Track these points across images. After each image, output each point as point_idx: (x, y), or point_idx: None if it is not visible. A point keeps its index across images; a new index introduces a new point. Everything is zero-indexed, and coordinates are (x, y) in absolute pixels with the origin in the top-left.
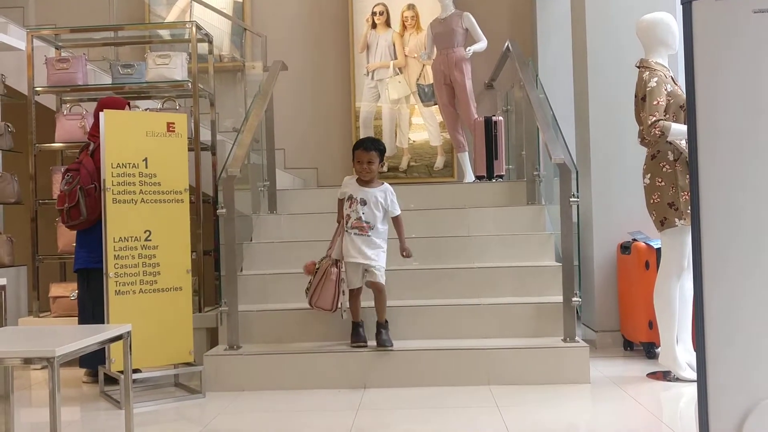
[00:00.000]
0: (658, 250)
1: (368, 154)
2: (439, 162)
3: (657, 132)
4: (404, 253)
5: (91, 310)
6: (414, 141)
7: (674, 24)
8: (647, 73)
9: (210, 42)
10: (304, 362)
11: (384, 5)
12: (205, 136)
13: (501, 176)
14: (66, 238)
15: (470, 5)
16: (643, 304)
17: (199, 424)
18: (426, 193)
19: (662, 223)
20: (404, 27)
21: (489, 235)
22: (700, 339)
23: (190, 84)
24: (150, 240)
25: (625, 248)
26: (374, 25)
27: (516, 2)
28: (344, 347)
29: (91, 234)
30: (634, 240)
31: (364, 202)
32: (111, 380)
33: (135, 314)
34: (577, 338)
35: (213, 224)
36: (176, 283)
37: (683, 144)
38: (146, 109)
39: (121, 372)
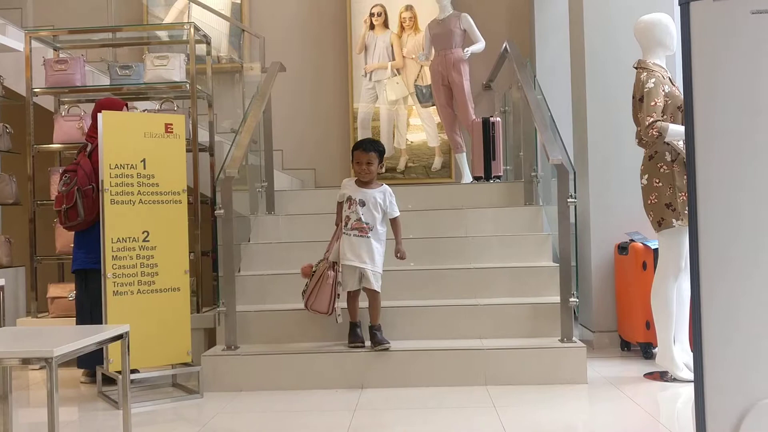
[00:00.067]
0: (656, 250)
1: (367, 155)
2: (437, 163)
3: (654, 133)
4: (398, 255)
5: (89, 310)
6: (412, 142)
7: (672, 25)
8: (645, 74)
9: (208, 43)
10: (302, 362)
11: (382, 6)
12: (203, 137)
13: (499, 177)
14: (64, 238)
15: (468, 6)
16: (641, 304)
17: (196, 425)
18: (424, 193)
19: (659, 224)
20: (402, 28)
21: (487, 236)
22: (697, 339)
23: (188, 85)
24: (148, 241)
25: (622, 249)
26: (372, 26)
27: (514, 3)
28: (342, 348)
29: (89, 235)
30: (632, 240)
31: (363, 203)
32: (109, 380)
33: (133, 315)
34: (574, 339)
35: (211, 225)
36: (174, 283)
37: (681, 145)
38: (144, 110)
39: (119, 372)
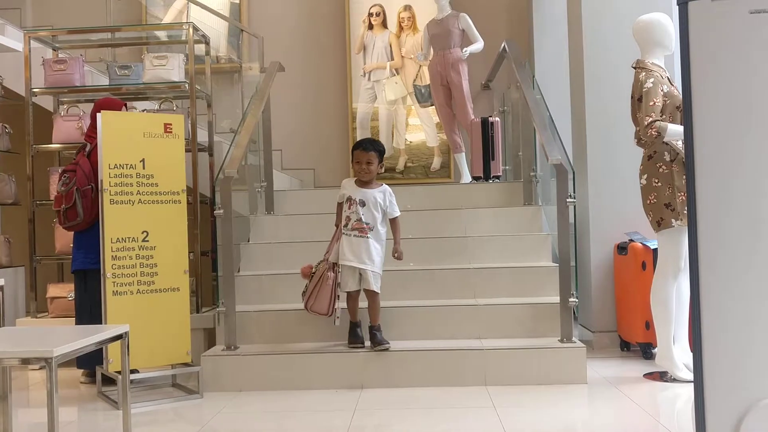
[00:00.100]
0: (655, 250)
1: (367, 154)
2: (436, 163)
3: (653, 133)
4: (395, 255)
5: (89, 311)
6: (411, 142)
7: (670, 25)
8: (643, 73)
9: (207, 43)
10: (302, 362)
11: (380, 6)
12: (203, 137)
13: (498, 177)
14: (64, 239)
15: (467, 6)
16: (640, 304)
17: (196, 425)
18: (423, 193)
19: (659, 224)
20: (401, 28)
21: (486, 236)
22: (696, 339)
23: (187, 85)
24: (147, 241)
25: (621, 249)
26: (371, 26)
27: (513, 3)
28: (341, 348)
29: (89, 235)
30: (631, 240)
31: (363, 204)
32: (108, 381)
33: (132, 315)
34: (573, 339)
35: (210, 225)
36: (174, 283)
37: (680, 145)
38: (143, 110)
39: (119, 372)
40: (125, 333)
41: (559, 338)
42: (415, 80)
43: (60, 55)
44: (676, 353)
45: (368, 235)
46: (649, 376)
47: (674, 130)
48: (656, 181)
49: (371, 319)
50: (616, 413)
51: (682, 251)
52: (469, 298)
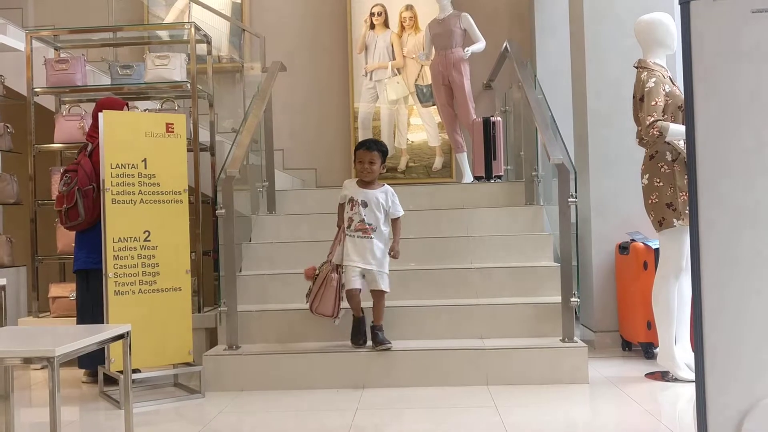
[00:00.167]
0: (657, 250)
1: (370, 153)
2: (438, 162)
3: (655, 132)
4: (391, 254)
5: (90, 310)
6: (412, 142)
7: (672, 24)
8: (645, 73)
9: (209, 43)
10: (303, 362)
11: (382, 6)
12: (204, 136)
13: (499, 177)
14: (65, 238)
15: (468, 6)
16: (642, 304)
17: (198, 424)
18: (424, 193)
19: (660, 224)
20: (402, 28)
21: (487, 236)
22: (698, 339)
23: (188, 85)
24: (149, 240)
25: (623, 248)
26: (372, 26)
27: (514, 3)
28: (343, 347)
29: (90, 235)
30: (633, 240)
31: (365, 204)
32: (110, 380)
33: (134, 314)
34: (575, 338)
35: (212, 225)
36: (175, 283)
37: (681, 144)
38: (145, 110)
39: (121, 372)
40: (127, 332)
41: (561, 338)
42: (416, 80)
43: (62, 55)
44: (678, 353)
45: (371, 236)
46: (651, 375)
47: (676, 130)
48: (658, 180)
49: (374, 318)
50: (618, 413)
51: (683, 251)
52: (470, 298)
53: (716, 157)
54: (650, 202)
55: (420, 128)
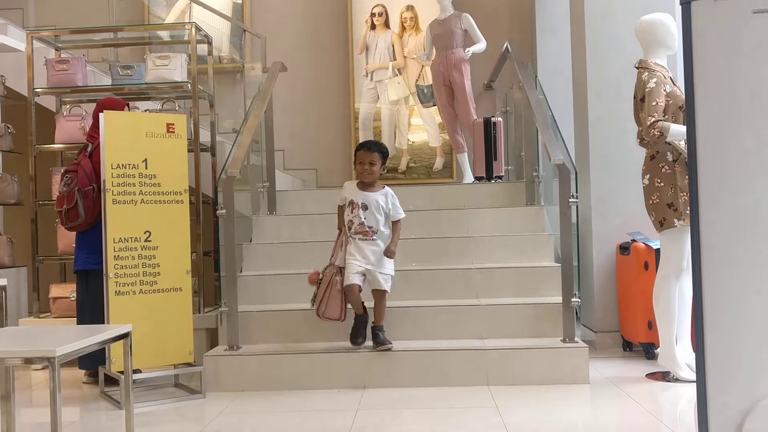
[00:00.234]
0: (657, 250)
1: (370, 154)
2: (439, 163)
3: (656, 133)
4: (387, 253)
5: (90, 311)
6: (413, 142)
7: (673, 25)
8: (646, 73)
9: (209, 43)
10: (304, 362)
11: (383, 6)
12: (205, 137)
13: (500, 177)
14: (66, 239)
15: (469, 6)
16: (642, 304)
17: (199, 424)
18: (425, 194)
19: (661, 224)
20: (403, 28)
21: (488, 236)
22: (699, 339)
23: (189, 85)
24: (150, 241)
25: (624, 249)
26: (373, 26)
27: (515, 3)
28: (344, 348)
29: (91, 235)
30: (634, 241)
31: (365, 207)
32: (111, 381)
33: (135, 315)
34: (576, 339)
35: (213, 225)
36: (176, 283)
37: (682, 144)
38: (146, 110)
39: (122, 372)
40: (128, 333)
41: (562, 338)
42: (417, 80)
43: (62, 55)
44: (679, 353)
45: (374, 238)
46: (652, 376)
47: (677, 130)
48: (659, 181)
49: (375, 318)
50: (619, 413)
51: (684, 251)
52: (471, 298)
53: (717, 157)
54: (651, 202)
55: (421, 129)
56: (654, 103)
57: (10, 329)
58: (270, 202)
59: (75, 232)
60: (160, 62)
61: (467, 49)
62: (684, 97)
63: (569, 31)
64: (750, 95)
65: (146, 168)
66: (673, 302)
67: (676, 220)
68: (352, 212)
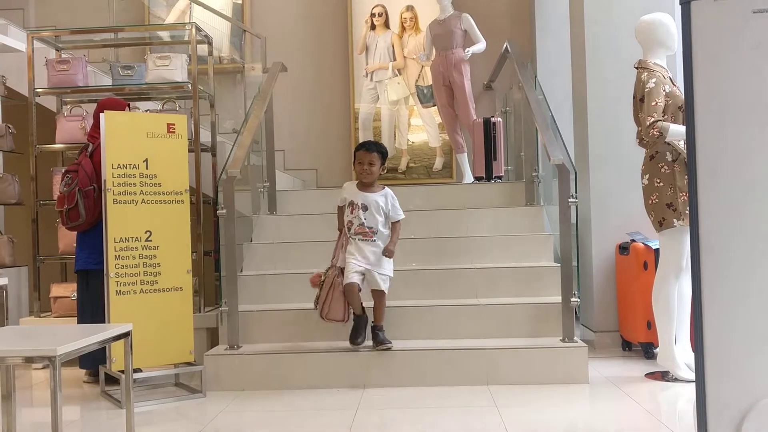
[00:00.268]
0: (657, 250)
1: (370, 155)
2: (438, 163)
3: (655, 133)
4: (385, 253)
5: (90, 311)
6: (413, 142)
7: (673, 25)
8: (645, 74)
9: (210, 43)
10: (304, 362)
11: (383, 7)
12: (205, 137)
13: (500, 177)
14: (67, 238)
15: (469, 6)
16: (642, 304)
17: (199, 424)
18: (425, 194)
19: (660, 224)
20: (403, 28)
21: (488, 236)
22: (698, 339)
23: (190, 85)
24: (150, 240)
25: (623, 249)
26: (373, 27)
27: (515, 3)
28: (344, 347)
29: (91, 235)
30: (633, 241)
31: (365, 208)
32: (111, 380)
33: (136, 314)
34: (575, 338)
35: (213, 225)
36: (177, 283)
37: (681, 145)
38: (146, 111)
39: (122, 371)
40: (128, 332)
41: (561, 338)
42: (417, 81)
43: (63, 56)
44: (678, 353)
45: (374, 239)
46: (651, 375)
47: (676, 130)
48: (658, 181)
49: (375, 318)
50: (618, 413)
51: (683, 251)
52: (471, 298)
53: (716, 157)
54: (650, 202)
55: (420, 129)
56: (653, 103)
57: (10, 328)
58: (270, 202)
59: (76, 232)
60: (161, 62)
61: (467, 49)
62: (683, 97)
63: (569, 32)
64: (750, 95)
65: (147, 168)
66: (672, 302)
67: (675, 220)
68: (351, 213)
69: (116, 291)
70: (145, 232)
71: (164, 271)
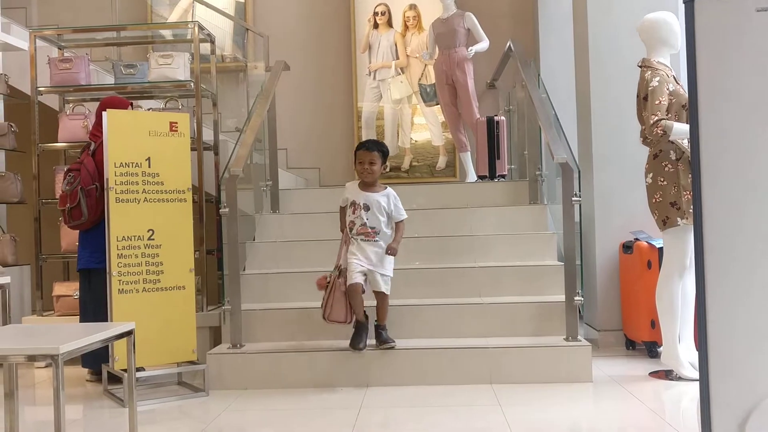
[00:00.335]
0: (660, 249)
1: (370, 154)
2: (441, 162)
3: (659, 131)
4: (389, 251)
5: (93, 310)
6: (416, 141)
7: (676, 23)
8: (649, 72)
9: (212, 42)
10: (307, 361)
11: (386, 5)
12: (208, 135)
13: (503, 176)
14: (69, 237)
15: (472, 5)
16: (645, 303)
17: (202, 422)
18: (428, 192)
19: (664, 223)
20: (406, 27)
21: (491, 235)
22: (702, 338)
23: (192, 84)
24: (153, 239)
25: (627, 247)
26: (376, 25)
27: (518, 2)
28: (347, 346)
29: (93, 234)
30: (637, 239)
31: (367, 208)
32: (114, 379)
33: (138, 313)
34: (579, 337)
35: (216, 223)
36: (179, 281)
37: (685, 143)
38: (149, 109)
39: (125, 370)
40: (131, 331)
41: (565, 337)
42: (420, 79)
43: (65, 54)
44: (682, 352)
45: (376, 239)
46: (655, 374)
47: (680, 129)
48: (662, 179)
49: (378, 318)
50: (622, 412)
51: (687, 250)
52: (474, 297)
53: (720, 155)
54: (654, 201)
55: (423, 127)
56: (657, 102)
57: (13, 327)
58: (273, 201)
59: (78, 231)
60: (163, 61)
61: (470, 48)
62: (687, 95)
63: (572, 30)
64: (753, 93)
65: (149, 167)
66: (676, 301)
67: (679, 219)
68: (353, 213)
69: (119, 290)
70: (148, 231)
71: (167, 270)
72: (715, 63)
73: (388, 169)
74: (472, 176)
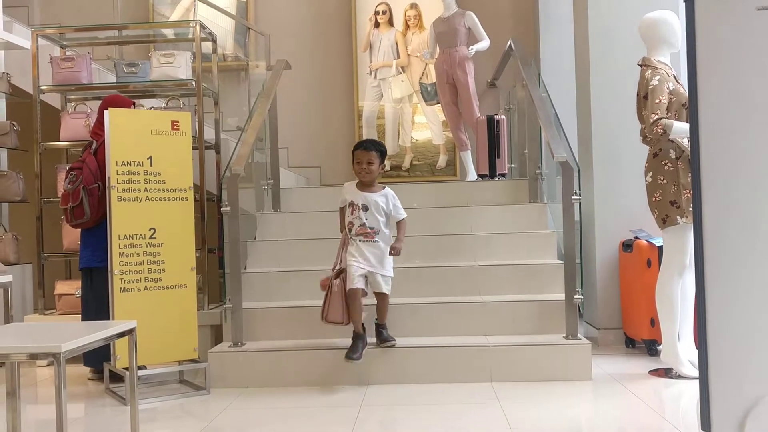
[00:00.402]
0: (660, 248)
1: (368, 153)
2: (442, 161)
3: (659, 130)
4: (392, 251)
5: (95, 308)
6: (417, 140)
7: (677, 22)
8: (649, 71)
9: (214, 41)
10: (308, 359)
11: (387, 4)
12: (209, 134)
13: (503, 175)
14: (71, 236)
15: (473, 4)
16: (645, 301)
17: (203, 421)
18: (429, 191)
19: (664, 221)
20: (407, 26)
21: (491, 233)
22: (701, 336)
23: (194, 83)
24: (155, 238)
25: (627, 246)
26: (377, 24)
27: (518, 1)
28: (348, 345)
29: (95, 233)
30: (636, 238)
31: (365, 208)
32: (116, 377)
33: (140, 311)
34: (579, 335)
35: (217, 222)
36: (181, 280)
37: (685, 142)
38: (151, 108)
39: (127, 369)
40: (133, 329)
41: (565, 335)
42: (421, 78)
43: (67, 53)
44: (681, 350)
45: (375, 239)
46: (654, 372)
47: (680, 128)
48: (662, 178)
49: (379, 317)
50: (621, 410)
51: (687, 248)
52: (474, 295)
53: (720, 154)
54: (654, 199)
55: (424, 126)
56: (657, 101)
57: (15, 325)
58: (274, 200)
59: (80, 230)
60: (165, 60)
61: (471, 47)
62: (687, 94)
63: (572, 29)
64: (753, 92)
65: (151, 165)
66: (675, 299)
67: (678, 218)
68: (352, 213)
69: (120, 288)
70: (149, 230)
71: (168, 269)
72: (715, 62)
73: (386, 169)
74: (472, 175)
